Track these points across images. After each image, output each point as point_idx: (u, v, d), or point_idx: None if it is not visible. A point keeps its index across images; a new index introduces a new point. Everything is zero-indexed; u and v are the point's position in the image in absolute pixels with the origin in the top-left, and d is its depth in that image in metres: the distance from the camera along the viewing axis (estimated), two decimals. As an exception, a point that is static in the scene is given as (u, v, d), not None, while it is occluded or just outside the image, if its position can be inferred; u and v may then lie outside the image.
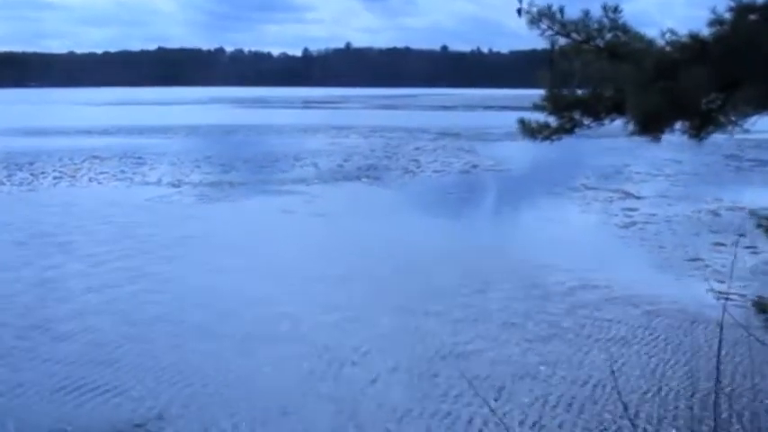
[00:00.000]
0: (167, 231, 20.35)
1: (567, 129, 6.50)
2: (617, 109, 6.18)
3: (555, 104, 6.35)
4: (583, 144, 39.44)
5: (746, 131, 6.06)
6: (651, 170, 33.99)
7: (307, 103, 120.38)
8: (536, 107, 6.46)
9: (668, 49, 5.91)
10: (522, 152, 41.20)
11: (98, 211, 23.41)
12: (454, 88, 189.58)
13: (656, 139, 6.26)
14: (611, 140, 39.42)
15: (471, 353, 11.45)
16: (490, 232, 21.11)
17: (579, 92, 6.37)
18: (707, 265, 17.37)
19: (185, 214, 23.13)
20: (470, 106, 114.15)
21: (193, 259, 17.40)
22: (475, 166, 35.09)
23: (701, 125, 6.12)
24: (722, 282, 16.01)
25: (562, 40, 6.08)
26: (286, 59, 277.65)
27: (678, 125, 6.20)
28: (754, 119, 5.96)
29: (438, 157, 38.55)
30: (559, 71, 6.29)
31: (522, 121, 6.61)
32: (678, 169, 34.44)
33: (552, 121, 6.44)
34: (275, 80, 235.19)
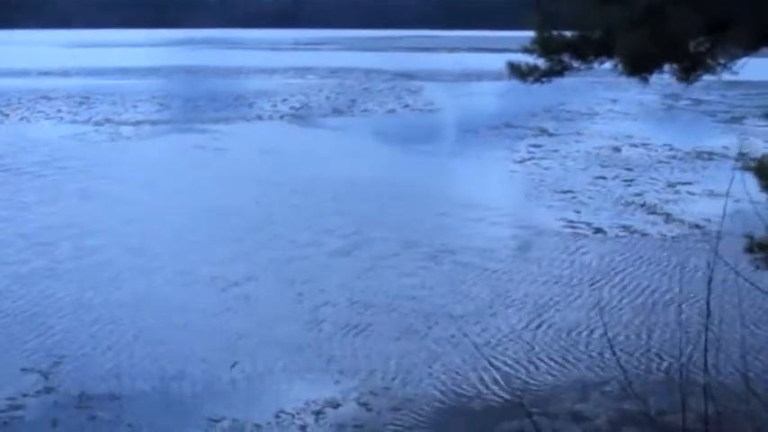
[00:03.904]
0: (54, 164, 20.81)
1: (557, 71, 6.50)
2: (606, 51, 6.19)
3: (544, 47, 6.35)
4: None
5: (735, 74, 6.06)
6: (581, 108, 34.10)
7: (290, 45, 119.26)
8: (525, 50, 6.45)
9: None
10: (466, 93, 41.30)
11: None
12: (444, 30, 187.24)
13: (644, 80, 6.26)
14: (561, 79, 39.46)
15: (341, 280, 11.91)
16: (380, 167, 21.33)
17: (567, 34, 6.34)
18: (573, 197, 17.71)
19: (85, 150, 23.52)
20: (453, 48, 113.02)
21: (65, 189, 17.88)
22: (406, 106, 35.16)
23: (690, 67, 6.12)
24: (578, 211, 16.39)
25: None
26: (275, 1, 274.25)
27: (667, 67, 6.19)
28: (742, 61, 5.97)
29: (377, 98, 38.59)
30: (547, 13, 6.31)
31: (511, 64, 6.58)
32: (609, 108, 34.55)
33: (541, 63, 6.44)
34: (265, 22, 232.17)
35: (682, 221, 15.52)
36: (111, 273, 12.13)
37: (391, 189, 18.39)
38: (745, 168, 7.49)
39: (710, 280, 5.32)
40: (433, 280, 11.87)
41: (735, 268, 6.62)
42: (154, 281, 11.80)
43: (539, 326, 10.17)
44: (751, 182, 6.46)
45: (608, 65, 6.60)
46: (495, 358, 9.12)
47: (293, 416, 8.01)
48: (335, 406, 8.19)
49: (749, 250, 6.72)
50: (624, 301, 11.03)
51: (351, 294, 11.22)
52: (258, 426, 7.79)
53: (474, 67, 56.77)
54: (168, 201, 17.09)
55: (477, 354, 9.18)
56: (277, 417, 7.99)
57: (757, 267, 6.70)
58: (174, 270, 12.27)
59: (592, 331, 9.94)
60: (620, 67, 6.14)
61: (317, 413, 8.05)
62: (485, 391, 8.42)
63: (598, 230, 14.95)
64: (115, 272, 12.17)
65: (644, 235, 14.62)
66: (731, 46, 5.79)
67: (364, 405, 8.21)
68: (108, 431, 7.76)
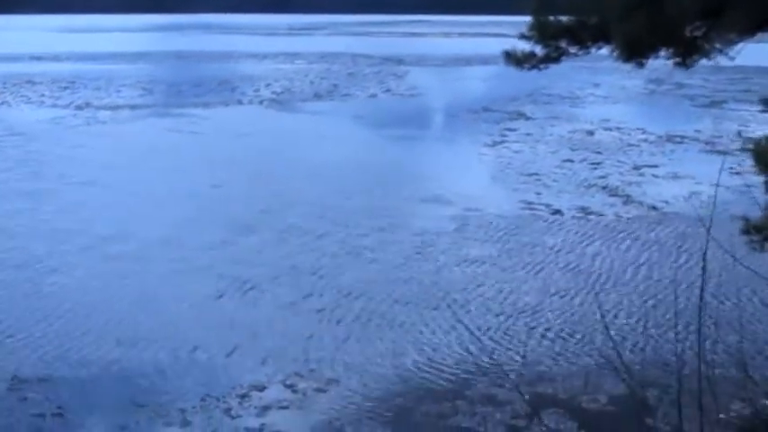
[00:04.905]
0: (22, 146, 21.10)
1: (554, 57, 6.49)
2: (603, 37, 6.19)
3: (542, 33, 6.36)
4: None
5: (732, 59, 6.01)
6: (563, 93, 34.05)
7: (284, 31, 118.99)
8: (522, 37, 6.45)
9: None
10: (451, 77, 41.22)
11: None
12: (439, 14, 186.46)
13: (640, 65, 6.24)
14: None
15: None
16: (348, 151, 21.36)
17: (564, 19, 6.35)
18: (538, 180, 17.75)
19: (55, 133, 23.70)
20: (447, 33, 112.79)
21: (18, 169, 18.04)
22: (388, 91, 35.13)
23: (686, 52, 6.12)
24: (539, 193, 16.46)
25: None
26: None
27: (663, 52, 6.18)
28: (739, 46, 5.93)
29: (361, 83, 38.53)
30: None
31: (507, 52, 6.57)
32: (590, 92, 34.53)
33: (538, 49, 6.46)
34: (261, 7, 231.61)
35: (640, 203, 15.60)
36: (45, 254, 12.22)
37: (351, 171, 18.52)
38: (744, 149, 7.45)
39: (704, 266, 5.28)
40: (373, 262, 11.95)
41: (730, 251, 6.61)
42: (88, 263, 11.89)
43: (474, 307, 10.26)
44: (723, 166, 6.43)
45: (603, 50, 6.59)
46: (428, 340, 9.22)
47: (218, 399, 8.09)
48: (261, 389, 8.28)
49: (745, 232, 6.72)
50: (570, 284, 11.10)
51: (282, 275, 11.30)
52: (183, 410, 7.87)
53: (464, 52, 56.68)
54: (127, 182, 17.27)
55: (409, 336, 9.29)
56: (203, 400, 8.07)
57: (754, 249, 6.73)
58: (111, 253, 12.36)
59: (525, 313, 10.04)
60: (616, 53, 6.15)
61: (243, 396, 8.13)
62: (413, 373, 8.51)
63: (556, 212, 15.03)
64: (48, 254, 12.26)
65: (600, 216, 14.68)
66: (727, 31, 5.79)
67: (290, 387, 8.30)
68: (38, 412, 7.86)
